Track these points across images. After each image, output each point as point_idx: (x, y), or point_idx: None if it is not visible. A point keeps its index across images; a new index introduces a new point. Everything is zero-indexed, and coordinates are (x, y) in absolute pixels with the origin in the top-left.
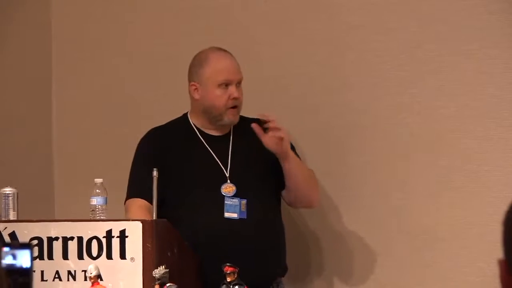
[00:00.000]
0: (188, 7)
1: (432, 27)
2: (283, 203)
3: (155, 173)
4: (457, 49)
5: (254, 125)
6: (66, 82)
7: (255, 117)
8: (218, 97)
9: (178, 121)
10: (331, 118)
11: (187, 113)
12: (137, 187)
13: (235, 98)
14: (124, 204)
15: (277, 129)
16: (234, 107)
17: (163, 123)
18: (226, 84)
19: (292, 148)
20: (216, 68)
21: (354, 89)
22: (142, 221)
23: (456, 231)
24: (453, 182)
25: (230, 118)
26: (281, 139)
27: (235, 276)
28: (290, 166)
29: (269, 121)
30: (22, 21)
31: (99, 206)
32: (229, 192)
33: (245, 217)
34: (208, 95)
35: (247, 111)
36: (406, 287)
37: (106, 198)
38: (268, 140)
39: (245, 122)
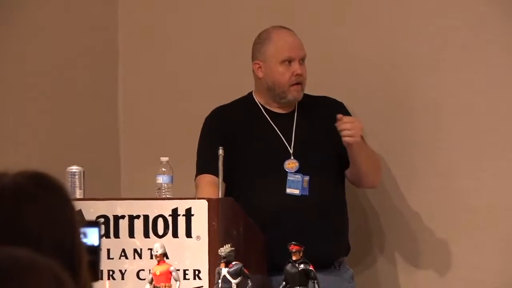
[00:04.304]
0: None
1: None
2: (346, 182)
3: (220, 151)
4: None
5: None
6: (132, 60)
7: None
8: (281, 74)
9: (242, 100)
10: (403, 98)
11: (251, 92)
12: (205, 163)
13: (298, 75)
14: (195, 180)
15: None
16: (298, 83)
17: (228, 101)
18: (289, 61)
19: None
20: (279, 45)
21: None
22: (208, 200)
23: None
24: None
25: (294, 95)
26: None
27: (301, 255)
28: (356, 155)
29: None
30: (89, 3)
31: (165, 185)
32: (292, 168)
33: (307, 194)
34: (272, 73)
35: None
36: (476, 267)
37: (172, 176)
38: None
39: (310, 100)
